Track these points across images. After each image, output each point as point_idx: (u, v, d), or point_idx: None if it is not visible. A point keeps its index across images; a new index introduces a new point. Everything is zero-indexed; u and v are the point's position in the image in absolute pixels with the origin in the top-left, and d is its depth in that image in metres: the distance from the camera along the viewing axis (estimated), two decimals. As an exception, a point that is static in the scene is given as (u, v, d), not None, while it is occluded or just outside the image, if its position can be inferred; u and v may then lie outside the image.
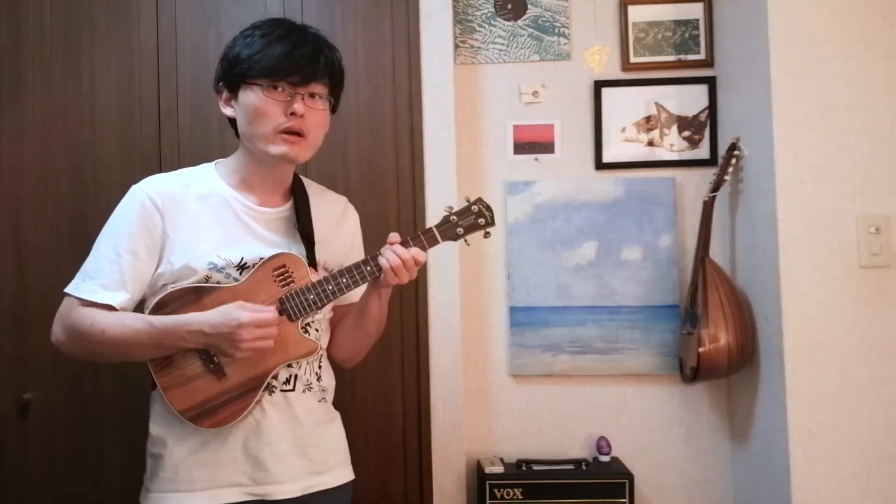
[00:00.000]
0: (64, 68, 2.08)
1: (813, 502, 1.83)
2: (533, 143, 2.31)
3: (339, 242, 1.55)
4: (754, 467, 2.08)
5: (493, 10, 2.33)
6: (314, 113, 1.41)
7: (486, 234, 1.46)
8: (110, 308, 1.35)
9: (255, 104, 1.38)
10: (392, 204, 2.08)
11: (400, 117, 2.09)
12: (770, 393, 1.95)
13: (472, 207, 1.45)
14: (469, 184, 2.27)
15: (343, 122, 2.06)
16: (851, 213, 1.86)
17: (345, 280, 1.39)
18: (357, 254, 1.59)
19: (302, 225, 1.46)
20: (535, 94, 2.31)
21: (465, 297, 2.20)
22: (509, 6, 2.33)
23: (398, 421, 2.07)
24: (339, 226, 1.57)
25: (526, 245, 2.29)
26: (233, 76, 1.40)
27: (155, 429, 1.42)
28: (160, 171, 1.95)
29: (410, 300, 2.08)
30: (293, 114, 1.37)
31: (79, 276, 1.39)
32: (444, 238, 1.43)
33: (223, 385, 1.36)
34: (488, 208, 1.45)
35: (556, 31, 2.32)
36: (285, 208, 1.48)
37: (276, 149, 1.39)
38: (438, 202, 2.08)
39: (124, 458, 2.01)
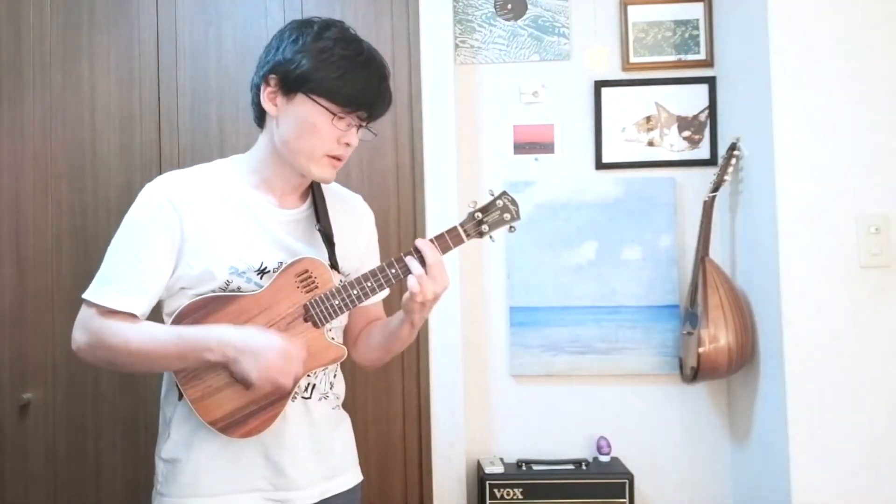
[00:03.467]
0: (64, 68, 2.08)
1: (813, 502, 1.83)
2: (533, 143, 2.31)
3: (355, 245, 1.50)
4: (754, 467, 2.08)
5: (493, 10, 2.33)
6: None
7: (511, 229, 1.40)
8: (132, 316, 1.32)
9: (315, 123, 1.32)
10: (392, 204, 2.08)
11: (400, 117, 2.09)
12: (770, 393, 1.95)
13: (497, 202, 1.38)
14: (469, 184, 2.27)
15: (343, 122, 2.07)
16: (851, 213, 1.86)
17: (369, 284, 1.35)
18: (372, 254, 1.55)
19: (322, 225, 1.42)
20: (535, 94, 2.31)
21: (465, 297, 2.20)
22: (509, 6, 2.33)
23: (398, 421, 2.06)
24: (355, 227, 1.52)
25: (526, 245, 2.28)
26: (295, 81, 1.32)
27: (176, 434, 1.38)
28: (160, 171, 1.96)
29: (410, 300, 2.07)
30: (347, 144, 1.35)
31: (97, 281, 1.34)
32: (469, 237, 1.36)
33: (251, 395, 1.32)
34: (514, 202, 1.38)
35: (556, 31, 2.31)
36: (303, 209, 1.44)
37: (321, 171, 1.36)
38: (439, 202, 2.09)
39: (123, 458, 2.02)
